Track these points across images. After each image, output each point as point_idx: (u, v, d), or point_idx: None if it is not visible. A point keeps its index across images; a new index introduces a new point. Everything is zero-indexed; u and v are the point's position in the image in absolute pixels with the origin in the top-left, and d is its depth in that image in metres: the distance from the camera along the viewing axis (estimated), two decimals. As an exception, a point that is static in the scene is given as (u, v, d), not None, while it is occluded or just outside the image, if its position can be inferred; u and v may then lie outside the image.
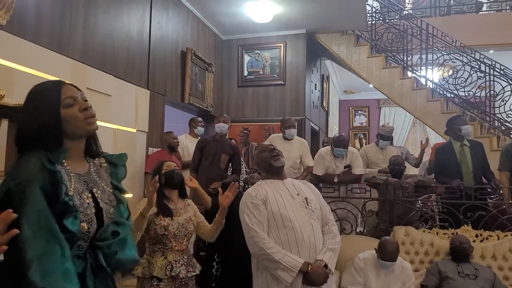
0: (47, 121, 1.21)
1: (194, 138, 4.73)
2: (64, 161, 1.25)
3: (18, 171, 1.15)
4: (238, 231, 3.06)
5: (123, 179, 1.43)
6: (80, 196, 1.23)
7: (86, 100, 1.30)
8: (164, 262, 2.27)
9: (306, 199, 2.14)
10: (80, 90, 1.32)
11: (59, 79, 1.31)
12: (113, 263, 1.32)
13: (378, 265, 2.91)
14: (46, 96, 1.24)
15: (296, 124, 4.72)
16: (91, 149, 1.36)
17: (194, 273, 2.38)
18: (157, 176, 2.22)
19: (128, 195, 3.93)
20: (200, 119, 4.97)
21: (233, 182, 2.44)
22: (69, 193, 1.20)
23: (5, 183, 1.14)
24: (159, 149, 4.34)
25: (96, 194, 1.28)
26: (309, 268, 1.93)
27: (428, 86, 6.05)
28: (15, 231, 1.02)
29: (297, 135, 6.10)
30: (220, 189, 2.46)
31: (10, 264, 1.09)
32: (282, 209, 2.05)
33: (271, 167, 2.22)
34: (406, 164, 4.43)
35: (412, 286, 2.91)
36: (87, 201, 1.24)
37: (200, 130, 4.82)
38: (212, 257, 3.42)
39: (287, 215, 2.03)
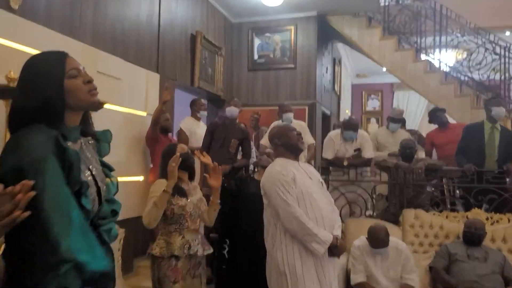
0: (52, 91, 1.17)
1: (198, 122, 4.65)
2: None
3: (27, 148, 1.09)
4: (246, 213, 3.11)
5: (106, 155, 1.40)
6: (84, 175, 1.21)
7: (86, 74, 1.28)
8: (182, 241, 2.32)
9: (321, 181, 2.35)
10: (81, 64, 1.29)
11: (61, 50, 1.27)
12: (110, 239, 1.33)
13: (372, 250, 2.93)
14: (50, 66, 1.20)
15: (293, 108, 4.70)
16: (85, 126, 1.31)
17: (209, 251, 2.46)
18: (179, 154, 2.28)
19: (139, 178, 4.00)
20: (203, 101, 4.81)
21: (214, 163, 2.48)
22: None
23: (11, 162, 1.08)
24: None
25: (93, 172, 1.26)
26: (338, 242, 2.17)
27: (441, 69, 5.94)
28: (33, 193, 1.00)
29: (308, 119, 6.12)
30: (206, 175, 2.48)
31: (28, 247, 1.06)
32: (309, 188, 2.20)
33: (295, 147, 2.33)
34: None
35: (413, 266, 2.92)
36: (88, 178, 1.23)
37: (203, 114, 4.70)
38: (222, 239, 3.48)
39: (313, 195, 2.20)
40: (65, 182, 1.11)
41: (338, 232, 2.24)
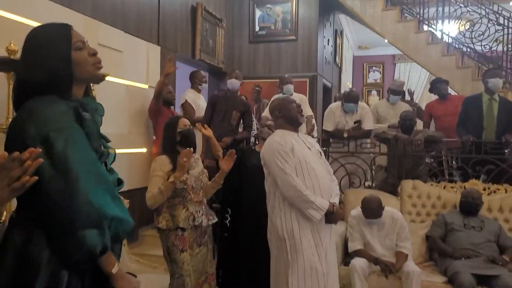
0: (59, 63, 1.20)
1: (199, 94, 4.65)
2: None
3: (49, 117, 1.13)
4: (248, 184, 3.17)
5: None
6: (99, 146, 1.27)
7: None
8: (186, 214, 2.39)
9: (319, 152, 2.45)
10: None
11: (64, 22, 1.29)
12: None
13: (368, 222, 3.01)
14: (56, 38, 1.22)
15: (293, 80, 4.70)
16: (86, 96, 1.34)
17: (214, 221, 2.54)
18: (191, 149, 2.29)
19: (142, 150, 4.05)
20: (203, 73, 4.79)
21: (232, 150, 2.55)
22: None
23: (35, 130, 1.11)
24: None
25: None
26: (334, 209, 2.28)
27: (443, 40, 5.89)
28: (41, 160, 1.03)
29: (308, 92, 6.12)
30: (220, 155, 2.57)
31: (58, 208, 1.10)
32: (307, 158, 2.29)
33: (295, 120, 2.40)
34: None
35: (408, 234, 3.00)
36: (103, 149, 1.29)
37: (204, 86, 4.71)
38: (225, 208, 3.55)
39: (311, 164, 2.29)
40: (91, 149, 1.17)
41: (335, 200, 2.35)
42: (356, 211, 3.10)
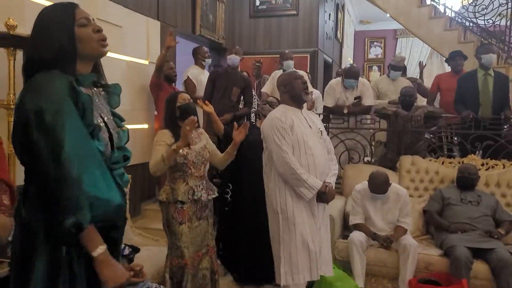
0: (64, 39, 1.23)
1: (203, 70, 4.65)
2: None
3: (46, 90, 1.16)
4: (248, 159, 3.20)
5: (117, 107, 1.45)
6: (96, 120, 1.28)
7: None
8: (186, 188, 2.43)
9: (320, 130, 2.45)
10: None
11: (70, 1, 1.31)
12: (123, 183, 1.41)
13: (373, 196, 3.05)
14: (61, 16, 1.26)
15: (293, 56, 4.67)
16: (96, 76, 1.36)
17: (214, 196, 2.58)
18: (194, 117, 2.30)
19: (143, 126, 4.07)
20: (205, 48, 4.78)
21: (246, 121, 2.55)
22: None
23: (32, 102, 1.15)
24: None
25: (105, 119, 1.33)
26: (327, 189, 2.31)
27: (446, 14, 5.81)
28: None
29: (309, 67, 6.08)
30: (235, 124, 2.59)
31: (48, 186, 1.12)
32: (304, 136, 2.32)
33: (299, 97, 2.41)
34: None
35: (409, 211, 3.05)
36: (101, 124, 1.30)
37: (208, 61, 4.69)
38: (225, 183, 3.59)
39: (308, 143, 2.31)
40: (82, 123, 1.18)
41: (331, 180, 2.39)
42: (362, 185, 3.13)
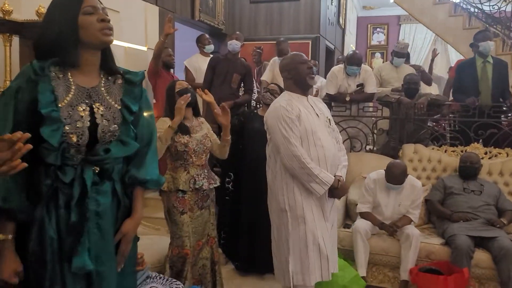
0: (66, 25, 1.25)
1: (206, 57, 4.62)
2: (69, 73, 1.28)
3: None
4: (250, 148, 3.17)
5: (140, 98, 1.42)
6: (72, 109, 1.26)
7: (106, 12, 1.32)
8: (187, 177, 2.40)
9: (328, 119, 2.25)
10: (102, 4, 1.33)
11: None
12: (127, 179, 1.40)
13: (388, 186, 3.01)
14: (67, 3, 1.28)
15: (288, 44, 4.63)
16: (107, 65, 1.37)
17: (215, 185, 2.54)
18: (189, 94, 2.30)
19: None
20: (206, 35, 4.71)
21: (223, 104, 2.53)
22: (59, 104, 1.24)
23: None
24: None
25: (95, 109, 1.30)
26: (339, 184, 2.15)
27: (451, 0, 5.71)
28: (30, 146, 1.05)
29: (311, 54, 6.01)
30: (216, 111, 2.49)
31: None
32: (313, 126, 2.13)
33: (303, 82, 2.22)
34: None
35: (420, 204, 3.03)
36: (81, 114, 1.27)
37: (209, 47, 4.60)
38: (226, 172, 3.57)
39: (317, 133, 2.13)
40: (11, 111, 1.21)
41: (342, 173, 2.22)
42: (377, 174, 3.09)
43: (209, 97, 2.85)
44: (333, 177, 2.13)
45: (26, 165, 1.06)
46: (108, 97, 1.35)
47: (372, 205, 3.06)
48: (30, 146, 1.04)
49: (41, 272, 1.25)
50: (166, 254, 2.47)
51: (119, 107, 1.36)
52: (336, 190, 2.14)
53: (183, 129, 2.40)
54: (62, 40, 1.24)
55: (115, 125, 1.34)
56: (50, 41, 1.25)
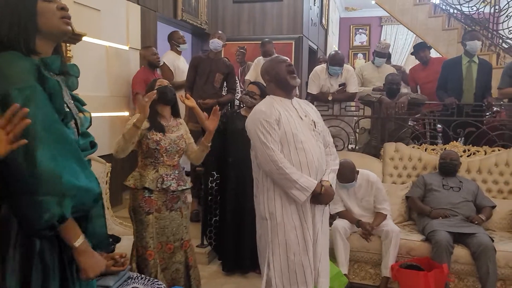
0: (24, 12, 1.16)
1: (179, 56, 4.51)
2: None
3: (11, 74, 1.09)
4: (233, 147, 3.16)
5: (74, 90, 1.38)
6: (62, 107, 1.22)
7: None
8: (155, 175, 2.35)
9: (313, 122, 2.15)
10: None
11: None
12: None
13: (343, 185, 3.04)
14: None
15: (273, 45, 4.64)
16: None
17: (185, 187, 2.46)
18: (155, 91, 2.24)
19: (124, 114, 3.99)
20: (180, 33, 4.58)
21: (215, 107, 2.48)
22: None
23: None
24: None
25: (69, 105, 1.27)
26: (322, 190, 2.03)
27: (431, 1, 5.81)
28: (28, 121, 0.99)
29: (294, 54, 6.04)
30: (205, 114, 2.46)
31: (17, 177, 1.06)
32: (294, 130, 2.04)
33: (285, 83, 2.12)
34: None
35: (385, 196, 3.05)
36: (67, 110, 1.24)
37: (184, 47, 4.51)
38: (209, 172, 3.55)
39: (298, 137, 2.04)
40: (54, 112, 1.12)
41: (329, 177, 2.11)
42: None
43: (191, 102, 2.81)
44: (315, 182, 2.02)
45: (25, 141, 1.02)
46: (64, 92, 1.29)
47: (342, 203, 3.09)
48: (28, 121, 1.00)
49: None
50: (131, 254, 2.40)
51: (72, 102, 1.33)
52: (319, 196, 2.03)
53: (156, 126, 2.35)
54: (19, 28, 1.15)
55: (79, 119, 1.32)
56: (5, 30, 1.15)
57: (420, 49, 4.68)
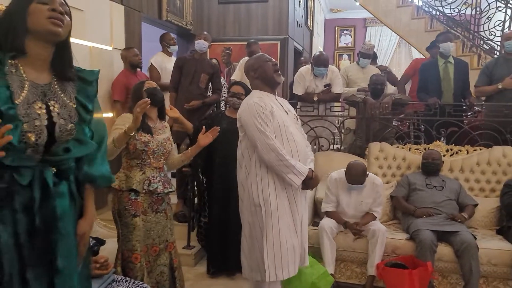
0: (15, 12, 1.20)
1: (169, 57, 4.56)
2: (21, 67, 1.23)
3: None
4: (219, 149, 3.15)
5: (94, 97, 1.39)
6: (29, 106, 1.20)
7: (67, 9, 1.28)
8: (142, 177, 2.32)
9: (296, 116, 2.37)
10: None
11: None
12: (80, 177, 1.36)
13: (349, 186, 3.05)
14: None
15: (259, 46, 4.66)
16: (60, 65, 1.31)
17: (170, 190, 2.45)
18: (148, 100, 2.16)
19: (108, 115, 3.94)
20: (171, 35, 4.67)
21: (216, 127, 2.50)
22: (15, 101, 1.18)
23: None
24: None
25: (51, 107, 1.25)
26: (313, 175, 2.24)
27: (413, 3, 5.89)
28: (10, 137, 1.02)
29: (279, 55, 6.05)
30: (203, 128, 2.48)
31: None
32: (285, 122, 2.22)
33: (272, 80, 2.28)
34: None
35: (382, 201, 3.09)
36: (38, 112, 1.22)
37: (174, 48, 4.56)
38: (196, 173, 3.54)
39: (289, 128, 2.22)
40: None
41: (311, 166, 2.32)
42: (337, 173, 3.12)
43: (175, 113, 2.79)
44: (308, 168, 2.22)
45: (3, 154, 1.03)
46: (62, 95, 1.29)
47: (335, 204, 3.10)
48: (10, 137, 1.02)
49: None
50: (116, 257, 2.37)
51: (74, 106, 1.32)
52: (310, 181, 2.23)
53: (145, 128, 2.33)
54: (9, 26, 1.20)
55: (72, 124, 1.30)
56: (1, 26, 1.21)
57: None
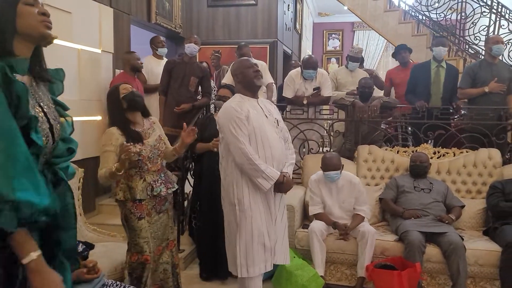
0: (3, 13, 1.17)
1: (158, 60, 4.56)
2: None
3: None
4: (208, 152, 3.15)
5: (60, 94, 1.37)
6: (34, 111, 1.19)
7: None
8: (144, 185, 2.32)
9: (276, 120, 2.40)
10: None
11: None
12: (68, 177, 1.34)
13: (327, 182, 3.09)
14: None
15: (249, 49, 4.69)
16: (37, 63, 1.28)
17: (173, 189, 2.48)
18: (130, 144, 2.15)
19: (96, 118, 3.91)
20: (161, 38, 4.69)
21: (194, 126, 2.51)
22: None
23: None
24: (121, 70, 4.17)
25: (45, 109, 1.24)
26: (284, 179, 2.28)
27: (400, 7, 5.98)
28: None
29: (269, 58, 6.08)
30: (184, 125, 2.46)
31: None
32: (261, 126, 2.27)
33: (251, 84, 2.35)
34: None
35: (366, 199, 3.12)
36: (40, 115, 1.21)
37: (162, 51, 4.58)
38: (185, 177, 3.53)
39: (265, 133, 2.27)
40: (12, 116, 1.07)
41: (288, 170, 2.37)
42: (316, 175, 3.17)
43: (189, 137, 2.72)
44: (279, 173, 2.27)
45: None
46: (43, 96, 1.27)
47: (322, 205, 3.13)
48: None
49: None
50: (124, 261, 2.40)
51: (54, 106, 1.30)
52: (281, 185, 2.29)
53: (134, 137, 2.28)
54: None
55: (59, 124, 1.29)
56: None
57: (401, 50, 4.73)
